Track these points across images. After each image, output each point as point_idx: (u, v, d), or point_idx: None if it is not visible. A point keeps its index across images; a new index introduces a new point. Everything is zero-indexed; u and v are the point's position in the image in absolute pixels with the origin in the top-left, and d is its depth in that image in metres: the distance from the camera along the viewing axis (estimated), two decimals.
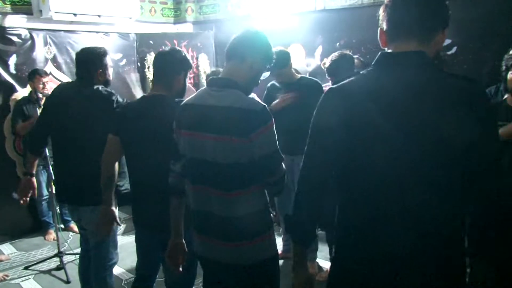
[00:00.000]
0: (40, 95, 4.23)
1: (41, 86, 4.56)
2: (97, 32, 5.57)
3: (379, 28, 1.51)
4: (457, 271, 1.44)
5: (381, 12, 1.50)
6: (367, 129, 1.41)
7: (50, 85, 4.51)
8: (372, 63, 1.50)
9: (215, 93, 1.94)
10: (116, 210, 2.74)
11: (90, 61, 2.90)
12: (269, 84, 3.95)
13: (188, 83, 4.83)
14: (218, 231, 1.96)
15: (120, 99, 2.85)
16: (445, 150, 1.33)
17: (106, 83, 2.97)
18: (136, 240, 2.64)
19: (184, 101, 2.08)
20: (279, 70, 3.63)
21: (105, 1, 5.24)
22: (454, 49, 4.28)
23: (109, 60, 2.98)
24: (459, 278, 1.44)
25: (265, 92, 3.90)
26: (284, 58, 3.67)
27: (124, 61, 5.84)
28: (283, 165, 1.96)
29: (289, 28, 5.20)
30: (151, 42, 5.89)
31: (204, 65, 5.85)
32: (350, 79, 1.51)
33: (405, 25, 1.43)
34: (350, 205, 1.52)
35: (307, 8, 5.14)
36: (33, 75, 4.61)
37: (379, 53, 1.50)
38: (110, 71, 2.99)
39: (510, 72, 2.93)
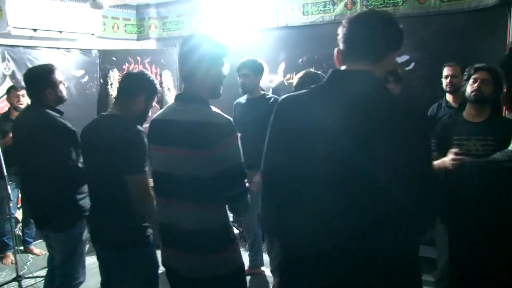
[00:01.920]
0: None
1: (15, 99, 4.49)
2: (58, 48, 5.49)
3: (335, 48, 1.58)
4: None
5: (339, 32, 1.57)
6: (303, 141, 1.48)
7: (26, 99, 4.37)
8: (324, 79, 1.57)
9: (180, 108, 1.96)
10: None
11: (36, 81, 2.83)
12: (235, 102, 4.03)
13: None
14: (182, 244, 1.97)
15: (66, 123, 2.75)
16: (377, 167, 1.38)
17: (59, 100, 2.89)
18: (98, 260, 2.61)
19: (153, 117, 2.09)
20: (256, 76, 3.79)
21: (66, 17, 5.18)
22: (412, 65, 4.46)
23: (58, 76, 2.88)
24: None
25: (233, 109, 3.97)
26: (260, 65, 3.85)
27: (86, 78, 5.78)
28: (246, 182, 1.95)
29: (252, 45, 5.27)
30: (114, 58, 5.85)
31: (168, 82, 5.84)
32: (301, 91, 1.59)
33: (357, 46, 1.52)
34: (292, 215, 1.56)
35: (269, 25, 5.23)
36: (8, 90, 4.58)
37: (331, 70, 1.57)
38: (62, 88, 2.91)
39: (469, 84, 3.02)
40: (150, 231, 2.44)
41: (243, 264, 2.06)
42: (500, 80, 3.03)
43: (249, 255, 4.21)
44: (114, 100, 2.55)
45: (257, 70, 3.85)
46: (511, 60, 1.17)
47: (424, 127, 1.54)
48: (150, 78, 2.49)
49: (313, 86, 1.58)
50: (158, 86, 2.53)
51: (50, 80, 2.82)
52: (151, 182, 2.18)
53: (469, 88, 3.00)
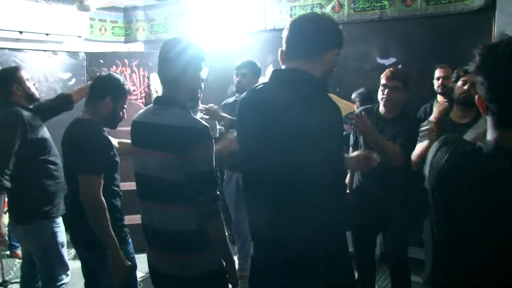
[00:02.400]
0: None
1: None
2: (45, 50, 5.45)
3: (279, 49, 1.69)
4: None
5: (282, 34, 1.68)
6: (248, 138, 1.68)
7: None
8: (268, 79, 1.70)
9: (158, 111, 1.99)
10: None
11: (2, 79, 2.96)
12: (223, 103, 4.03)
13: (140, 102, 4.82)
14: (161, 244, 2.03)
15: (29, 120, 2.86)
16: (310, 162, 1.47)
17: (29, 97, 3.01)
18: (81, 261, 2.64)
19: (134, 118, 2.13)
20: (253, 78, 3.83)
21: (53, 19, 5.16)
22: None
23: (24, 74, 3.02)
24: None
25: (221, 109, 3.96)
26: (259, 69, 3.92)
27: (73, 81, 5.73)
28: (216, 191, 1.97)
29: (240, 47, 5.28)
30: (101, 61, 5.81)
31: (156, 84, 5.82)
32: (252, 89, 1.74)
33: (294, 46, 1.64)
34: (250, 216, 1.76)
35: (257, 28, 5.24)
36: None
37: (273, 69, 1.71)
38: (30, 85, 3.01)
39: (457, 86, 3.05)
40: (126, 230, 2.48)
41: (222, 265, 2.06)
42: None
43: (238, 257, 4.20)
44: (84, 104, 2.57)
45: (256, 72, 3.89)
46: (486, 64, 1.19)
47: (340, 132, 1.67)
48: (117, 80, 2.52)
49: (259, 85, 1.72)
50: (127, 87, 2.55)
51: (15, 76, 2.96)
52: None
53: (458, 90, 3.02)
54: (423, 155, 2.68)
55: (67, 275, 2.97)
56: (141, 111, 2.15)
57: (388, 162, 2.80)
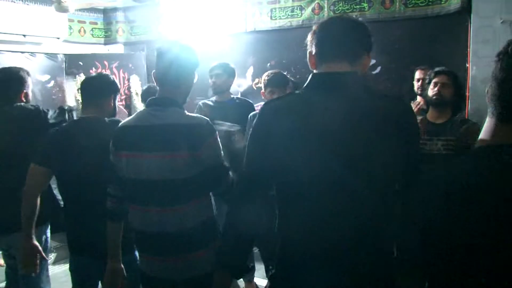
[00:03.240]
0: None
1: None
2: (22, 52, 5.35)
3: (308, 51, 1.59)
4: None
5: (309, 38, 1.59)
6: (294, 145, 1.46)
7: None
8: (305, 84, 1.56)
9: (157, 113, 1.96)
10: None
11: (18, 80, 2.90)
12: (200, 103, 4.01)
13: (120, 104, 4.79)
14: (162, 249, 1.97)
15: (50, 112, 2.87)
16: (372, 168, 1.39)
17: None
18: (72, 269, 2.53)
19: (122, 123, 2.08)
20: (228, 78, 3.85)
21: (30, 20, 5.08)
22: (378, 69, 4.55)
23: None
24: None
25: (196, 110, 3.94)
26: (233, 69, 3.92)
27: (52, 83, 5.65)
28: (231, 174, 2.00)
29: (220, 49, 5.27)
30: (80, 63, 5.75)
31: (136, 86, 5.79)
32: (285, 96, 1.61)
33: (334, 47, 1.53)
34: (289, 218, 1.55)
35: (237, 30, 5.24)
36: None
37: (312, 73, 1.56)
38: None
39: (430, 88, 3.13)
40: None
41: None
42: (459, 83, 3.15)
43: None
44: (83, 105, 2.53)
45: (230, 72, 3.90)
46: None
47: (416, 125, 1.57)
48: (111, 78, 2.60)
49: (297, 91, 1.59)
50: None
51: (27, 83, 2.95)
52: None
53: (430, 92, 3.12)
54: None
55: (48, 282, 2.92)
56: (132, 116, 2.11)
57: None
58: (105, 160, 2.11)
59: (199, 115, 2.01)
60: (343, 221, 1.42)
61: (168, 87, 2.02)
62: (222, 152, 1.98)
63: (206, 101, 4.00)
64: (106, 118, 2.43)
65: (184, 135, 1.87)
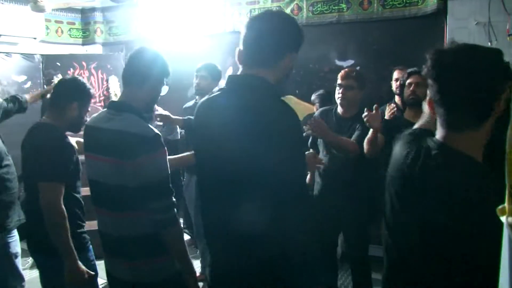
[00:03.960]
0: None
1: None
2: None
3: (237, 48, 1.62)
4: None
5: (240, 30, 1.61)
6: (201, 143, 1.65)
7: None
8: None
9: (111, 116, 1.96)
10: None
11: None
12: (184, 106, 4.01)
13: (99, 105, 4.74)
14: (117, 251, 2.00)
15: None
16: (245, 171, 1.43)
17: None
18: (39, 269, 2.54)
19: (86, 122, 2.12)
20: (213, 81, 3.82)
21: (6, 20, 5.00)
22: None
23: None
24: None
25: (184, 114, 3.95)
26: (219, 72, 3.91)
27: (28, 84, 5.56)
28: (173, 199, 1.93)
29: (199, 49, 5.27)
30: (58, 63, 5.67)
31: (115, 87, 5.73)
32: (208, 96, 1.70)
33: (251, 51, 1.56)
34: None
35: (216, 30, 5.24)
36: None
37: (228, 75, 1.65)
38: None
39: (405, 88, 3.21)
40: (86, 237, 2.44)
41: (177, 272, 2.02)
42: None
43: (200, 261, 4.18)
44: (47, 108, 2.51)
45: (216, 75, 3.87)
46: (435, 69, 1.26)
47: (294, 136, 1.53)
48: (84, 85, 2.47)
49: (219, 89, 1.68)
50: (92, 91, 2.50)
51: None
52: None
53: (406, 92, 3.20)
54: (371, 141, 2.85)
55: (22, 286, 2.88)
56: (94, 115, 2.10)
57: (344, 157, 2.95)
58: (31, 165, 2.31)
59: (150, 128, 1.90)
60: (223, 212, 1.55)
61: (129, 88, 2.01)
62: (167, 171, 1.91)
63: (189, 103, 4.02)
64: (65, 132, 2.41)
65: (123, 143, 1.85)
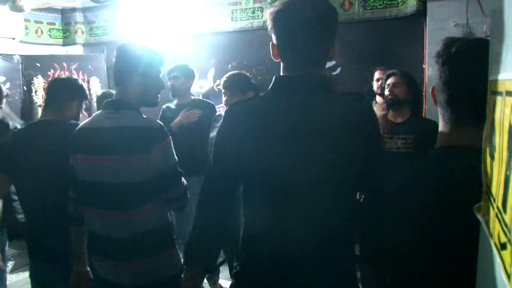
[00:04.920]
0: None
1: None
2: None
3: (271, 43, 1.51)
4: (350, 280, 1.51)
5: (269, 22, 1.49)
6: (256, 145, 1.47)
7: None
8: (270, 86, 1.53)
9: (111, 115, 1.94)
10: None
11: None
12: (164, 106, 3.98)
13: None
14: (116, 253, 1.93)
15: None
16: (335, 165, 1.41)
17: None
18: (33, 276, 2.46)
19: (79, 126, 2.04)
20: (186, 80, 3.78)
21: None
22: (338, 70, 4.64)
23: None
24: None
25: (160, 113, 3.91)
26: (191, 70, 3.85)
27: (8, 85, 5.48)
28: (184, 181, 1.99)
29: (181, 50, 5.25)
30: (38, 64, 5.61)
31: (96, 89, 5.68)
32: (250, 99, 1.61)
33: (297, 55, 1.46)
34: (252, 215, 1.57)
35: (198, 31, 5.23)
36: None
37: (274, 76, 1.53)
38: None
39: (385, 90, 3.26)
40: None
41: (181, 269, 2.01)
42: (412, 82, 3.27)
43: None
44: (44, 107, 2.46)
45: (188, 74, 3.83)
46: (445, 54, 1.22)
47: (372, 126, 1.51)
48: (81, 83, 2.50)
49: (261, 94, 1.58)
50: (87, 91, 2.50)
51: None
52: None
53: (385, 94, 3.26)
54: None
55: None
56: (89, 118, 2.06)
57: None
58: (65, 164, 2.07)
59: (153, 119, 1.95)
60: (297, 219, 1.44)
61: (119, 88, 2.00)
62: (175, 157, 1.95)
63: (168, 104, 3.99)
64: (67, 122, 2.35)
65: (135, 138, 1.85)
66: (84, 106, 2.52)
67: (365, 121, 1.46)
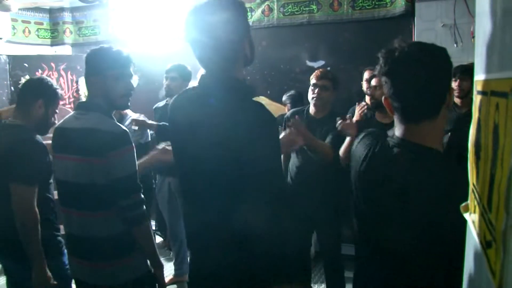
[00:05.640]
0: None
1: None
2: None
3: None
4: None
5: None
6: (180, 140, 1.60)
7: None
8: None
9: (79, 116, 1.98)
10: None
11: None
12: (156, 106, 4.00)
13: (68, 107, 4.66)
14: (86, 253, 1.98)
15: None
16: (231, 164, 1.44)
17: None
18: (4, 273, 2.51)
19: (56, 125, 2.12)
20: (183, 81, 3.80)
21: None
22: None
23: None
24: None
25: (154, 114, 3.93)
26: (189, 72, 3.87)
27: None
28: (140, 195, 1.95)
29: (170, 51, 5.22)
30: (25, 64, 5.55)
31: (85, 89, 5.63)
32: (183, 92, 1.70)
33: (201, 45, 1.52)
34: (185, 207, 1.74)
35: None
36: None
37: (201, 74, 1.60)
38: None
39: (369, 92, 3.30)
40: (60, 240, 2.41)
41: (144, 272, 2.05)
42: None
43: (174, 263, 4.17)
44: (15, 109, 2.46)
45: (186, 76, 3.84)
46: (387, 65, 1.29)
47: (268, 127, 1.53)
48: (49, 83, 2.45)
49: (192, 87, 1.68)
50: (59, 92, 2.47)
51: None
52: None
53: (368, 96, 3.34)
54: (347, 150, 2.85)
55: None
56: (65, 117, 2.10)
57: (319, 161, 2.95)
58: (7, 169, 2.18)
59: (117, 124, 1.95)
60: (204, 213, 1.55)
61: (89, 90, 2.04)
62: (135, 167, 1.93)
63: (160, 104, 3.99)
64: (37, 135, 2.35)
65: (92, 141, 1.87)
66: (57, 107, 2.48)
67: (254, 129, 1.45)
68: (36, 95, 2.38)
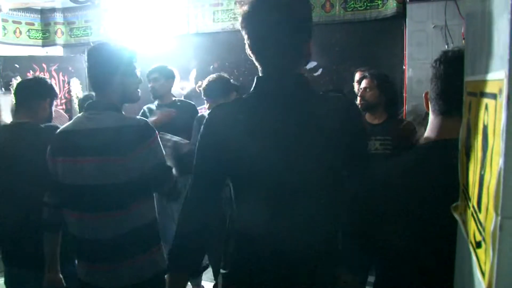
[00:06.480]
0: None
1: None
2: None
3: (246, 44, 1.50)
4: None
5: (240, 20, 1.48)
6: (249, 147, 1.45)
7: None
8: (252, 87, 1.52)
9: (93, 116, 1.93)
10: None
11: None
12: (145, 107, 3.96)
13: (60, 109, 4.66)
14: (100, 256, 1.92)
15: None
16: (320, 164, 1.42)
17: None
18: (8, 282, 2.42)
19: (60, 129, 2.02)
20: (166, 81, 3.76)
21: None
22: (319, 71, 4.67)
23: None
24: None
25: (140, 113, 3.89)
26: (170, 71, 3.83)
27: None
28: (174, 173, 1.99)
29: (162, 51, 5.22)
30: (17, 65, 5.51)
31: (77, 90, 5.62)
32: (234, 101, 1.61)
33: (271, 52, 1.44)
34: (243, 215, 1.55)
35: (180, 32, 5.21)
36: None
37: (256, 77, 1.52)
38: None
39: (359, 93, 3.32)
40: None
41: (165, 267, 2.00)
42: (384, 85, 3.33)
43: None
44: (16, 109, 2.43)
45: (167, 75, 3.81)
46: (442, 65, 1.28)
47: (356, 122, 1.53)
48: (50, 82, 2.50)
49: (244, 96, 1.57)
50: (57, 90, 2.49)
51: None
52: None
53: (358, 98, 3.32)
54: None
55: None
56: (71, 121, 2.04)
57: None
58: (41, 169, 2.03)
59: (138, 117, 1.96)
60: (287, 218, 1.44)
61: (98, 90, 1.99)
62: (164, 151, 1.95)
63: (149, 105, 3.97)
64: (42, 125, 2.31)
65: (118, 138, 1.84)
66: (56, 104, 2.51)
67: (347, 118, 1.46)
68: (44, 94, 2.40)
